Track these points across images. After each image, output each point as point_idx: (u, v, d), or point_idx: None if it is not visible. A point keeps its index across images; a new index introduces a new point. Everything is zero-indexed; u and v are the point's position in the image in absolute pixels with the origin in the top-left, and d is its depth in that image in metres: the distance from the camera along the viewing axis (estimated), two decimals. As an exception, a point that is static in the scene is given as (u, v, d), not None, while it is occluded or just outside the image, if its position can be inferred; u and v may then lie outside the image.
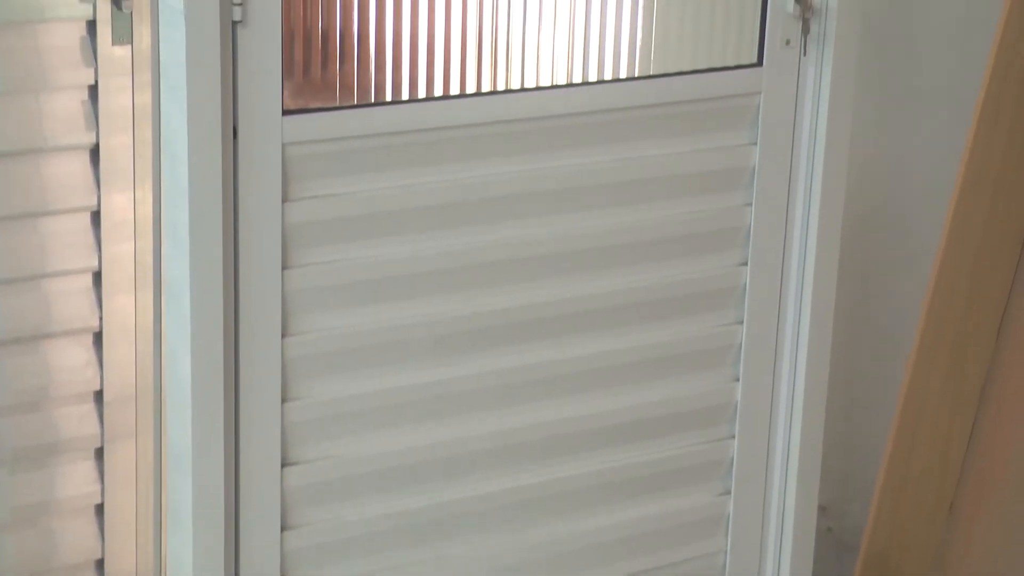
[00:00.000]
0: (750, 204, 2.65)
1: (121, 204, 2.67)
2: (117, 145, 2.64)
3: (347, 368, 2.43)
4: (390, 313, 2.44)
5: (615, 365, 2.61)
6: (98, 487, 2.75)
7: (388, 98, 2.37)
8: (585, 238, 2.54)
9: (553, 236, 2.52)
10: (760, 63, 2.60)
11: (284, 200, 2.32)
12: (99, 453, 2.74)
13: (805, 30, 2.59)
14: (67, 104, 2.61)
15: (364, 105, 2.35)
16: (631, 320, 2.61)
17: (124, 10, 2.59)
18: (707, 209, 2.62)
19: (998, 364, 2.82)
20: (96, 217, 2.67)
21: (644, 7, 2.50)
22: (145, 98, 2.63)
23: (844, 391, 3.13)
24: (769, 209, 2.66)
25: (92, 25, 2.60)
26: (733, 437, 2.72)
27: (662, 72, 2.53)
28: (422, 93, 2.38)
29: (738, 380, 2.71)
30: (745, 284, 2.68)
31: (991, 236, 2.72)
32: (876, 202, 3.13)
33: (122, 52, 2.61)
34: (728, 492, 2.74)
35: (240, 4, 2.21)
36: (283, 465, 2.40)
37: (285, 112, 2.29)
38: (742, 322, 2.69)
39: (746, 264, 2.67)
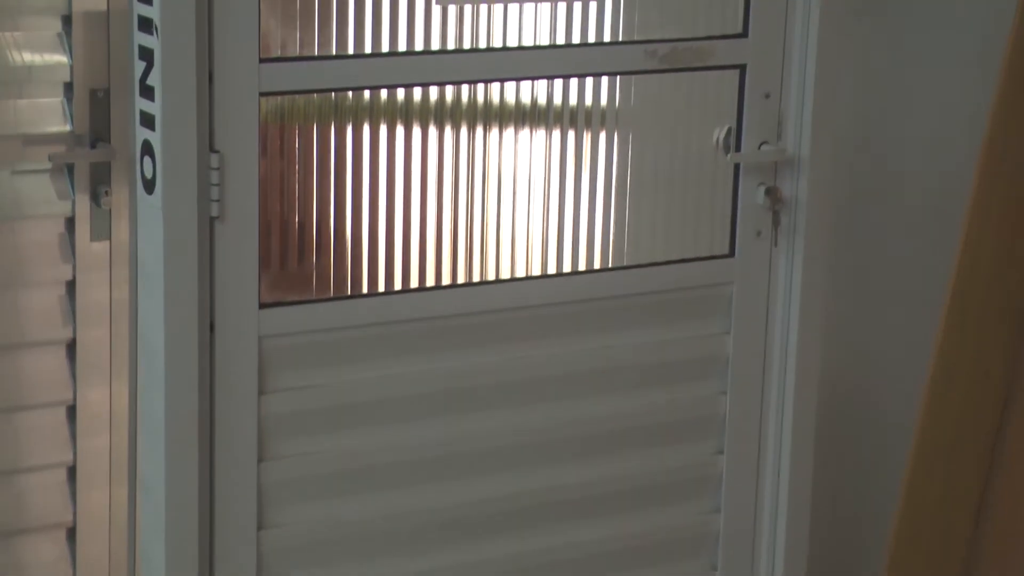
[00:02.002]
0: (725, 392, 2.66)
1: (97, 398, 2.67)
2: (94, 340, 2.65)
3: (325, 562, 2.41)
4: (368, 504, 2.43)
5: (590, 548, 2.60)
6: None
7: (365, 290, 2.38)
8: (562, 427, 2.55)
9: (530, 425, 2.52)
10: (732, 254, 2.63)
11: (260, 392, 2.33)
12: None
13: (776, 222, 2.63)
14: (45, 300, 2.63)
15: (341, 298, 2.37)
16: (607, 510, 2.60)
17: (103, 207, 2.62)
18: (682, 398, 2.63)
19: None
20: (72, 411, 2.66)
21: (617, 199, 2.53)
22: (122, 293, 2.64)
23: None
24: (744, 397, 2.67)
25: (71, 222, 2.62)
26: (715, 569, 2.71)
27: (636, 263, 2.56)
28: (398, 285, 2.40)
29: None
30: (722, 473, 2.68)
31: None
32: (849, 389, 3.15)
33: (100, 247, 2.63)
34: None
35: (218, 200, 2.24)
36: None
37: (262, 305, 2.31)
38: (719, 510, 2.68)
39: (722, 452, 2.67)
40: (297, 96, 2.29)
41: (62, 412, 2.66)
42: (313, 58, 2.29)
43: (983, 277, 2.71)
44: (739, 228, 2.62)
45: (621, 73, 2.49)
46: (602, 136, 2.50)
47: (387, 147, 2.36)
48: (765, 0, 2.55)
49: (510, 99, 2.43)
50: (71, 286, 2.63)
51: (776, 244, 2.64)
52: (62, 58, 2.56)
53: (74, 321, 2.63)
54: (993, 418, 2.82)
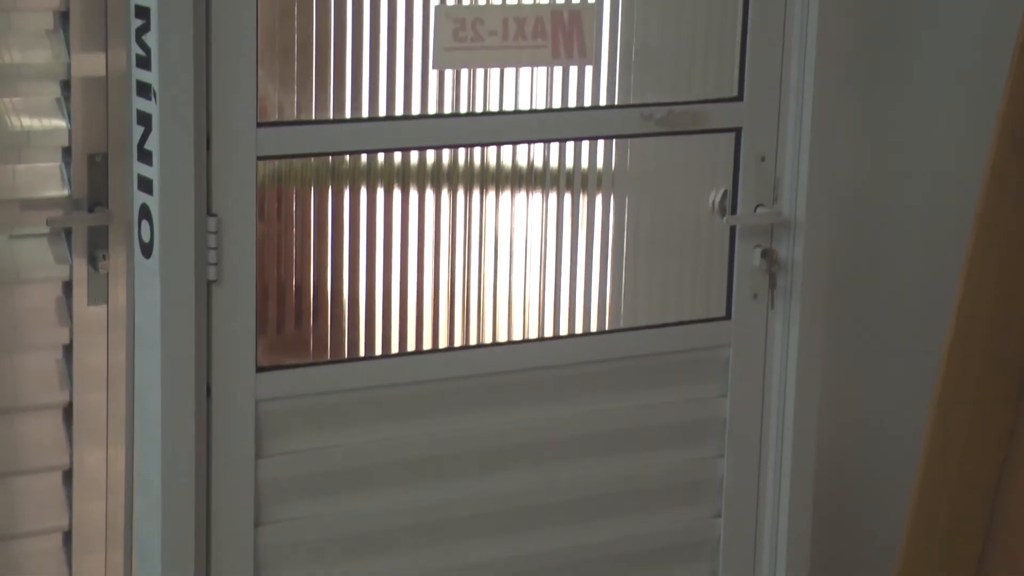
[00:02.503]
0: (722, 455, 2.65)
1: (94, 462, 2.66)
2: (91, 404, 2.64)
3: (320, 626, 2.41)
4: (367, 569, 2.42)
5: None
6: None
7: (362, 353, 2.38)
8: (559, 490, 2.54)
9: (527, 488, 2.52)
10: (728, 316, 2.63)
11: (257, 456, 2.32)
12: None
13: (772, 284, 2.63)
14: (42, 364, 2.62)
15: (338, 361, 2.37)
16: (601, 575, 2.59)
17: (100, 271, 2.62)
18: (679, 461, 2.63)
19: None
20: (68, 476, 2.66)
21: (613, 262, 2.54)
22: (120, 356, 2.64)
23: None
24: (741, 460, 2.66)
25: (68, 286, 2.62)
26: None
27: (632, 326, 2.56)
28: (396, 348, 2.40)
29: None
30: (719, 537, 2.67)
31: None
32: (847, 451, 3.14)
33: (97, 311, 2.63)
34: None
35: (215, 264, 2.24)
36: None
37: (259, 369, 2.30)
38: (715, 574, 2.67)
39: (719, 516, 2.67)
40: (295, 160, 2.30)
41: (58, 477, 2.66)
42: (311, 122, 2.30)
43: (980, 336, 2.72)
44: (735, 290, 2.62)
45: (617, 136, 2.50)
46: (598, 199, 2.51)
47: (384, 210, 2.36)
48: (760, 64, 2.57)
49: (506, 162, 2.44)
50: (68, 350, 2.63)
51: (772, 306, 2.64)
52: (61, 123, 2.57)
53: (71, 385, 2.63)
54: (991, 479, 2.82)
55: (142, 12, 2.17)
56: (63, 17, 2.53)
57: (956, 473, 2.79)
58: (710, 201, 2.59)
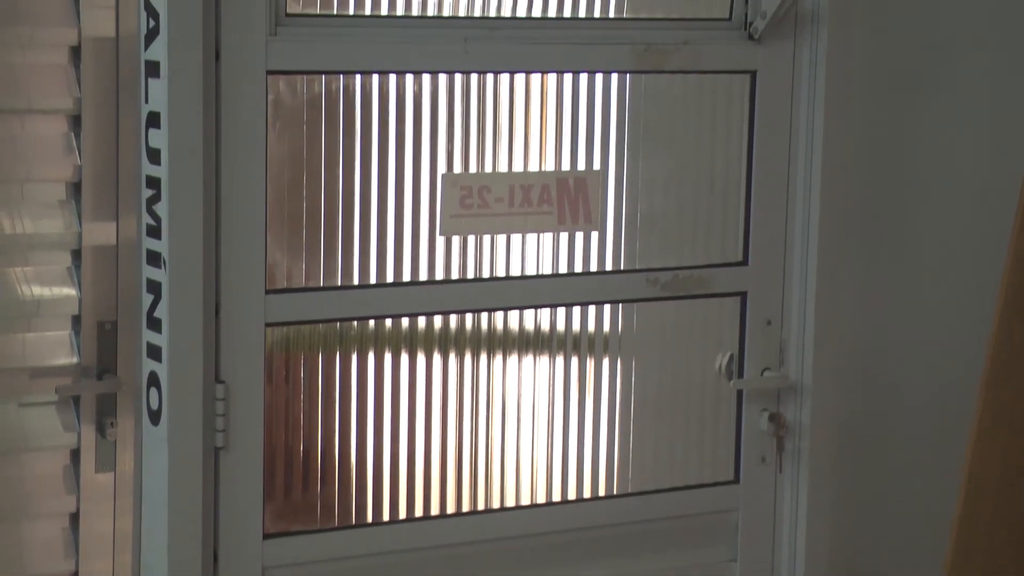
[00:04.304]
0: (733, 621, 2.63)
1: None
2: (97, 572, 2.62)
3: None
4: None
5: None
6: None
7: (370, 519, 2.37)
8: (568, 659, 2.52)
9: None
10: (737, 480, 2.62)
11: (265, 625, 2.31)
12: None
13: (780, 447, 2.63)
14: (48, 531, 2.61)
15: (346, 527, 2.36)
16: None
17: (108, 438, 2.62)
18: (690, 627, 2.61)
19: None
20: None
21: (621, 426, 2.54)
22: (126, 523, 2.63)
23: None
24: (752, 626, 2.64)
25: (76, 453, 2.62)
26: None
27: (640, 490, 2.56)
28: (404, 514, 2.39)
29: None
30: None
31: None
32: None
33: (104, 479, 2.62)
34: None
35: (223, 430, 2.25)
36: None
37: (266, 535, 2.30)
38: None
39: None
40: (303, 325, 2.31)
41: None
42: (319, 288, 2.31)
43: (989, 499, 2.71)
44: (743, 454, 2.62)
45: (623, 301, 2.52)
46: (605, 363, 2.51)
47: (392, 375, 2.37)
48: (764, 228, 2.59)
49: (514, 326, 2.45)
50: (75, 518, 2.62)
51: (781, 470, 2.64)
52: (71, 291, 2.58)
53: (77, 554, 2.62)
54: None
55: (153, 182, 2.20)
56: (75, 187, 2.56)
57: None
58: (717, 365, 2.60)
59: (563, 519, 2.49)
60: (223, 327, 2.24)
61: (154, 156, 2.19)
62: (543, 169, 2.43)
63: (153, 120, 2.19)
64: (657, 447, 2.58)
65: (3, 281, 2.54)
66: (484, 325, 2.43)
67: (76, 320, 2.60)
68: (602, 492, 2.53)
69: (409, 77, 2.34)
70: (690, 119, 2.55)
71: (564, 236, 2.46)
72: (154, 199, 2.20)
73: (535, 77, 2.42)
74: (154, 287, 2.21)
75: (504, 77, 2.40)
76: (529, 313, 2.46)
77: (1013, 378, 2.69)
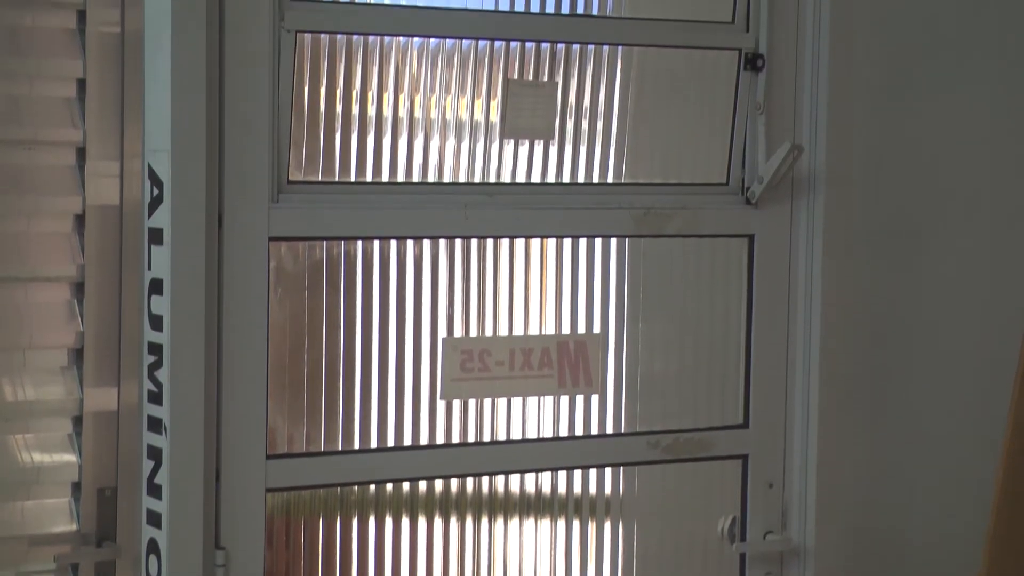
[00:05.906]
0: None
1: None
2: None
3: None
4: None
5: None
6: None
7: None
8: None
9: None
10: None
11: None
12: None
13: (780, 581, 2.62)
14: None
15: None
16: None
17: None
18: None
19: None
20: None
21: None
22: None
23: None
24: None
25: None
26: None
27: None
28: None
29: None
30: None
31: None
32: None
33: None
34: None
35: (223, 566, 2.23)
36: None
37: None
38: None
39: None
40: (303, 490, 2.30)
41: None
42: (320, 453, 2.31)
43: None
44: (743, 590, 2.60)
45: (624, 464, 2.51)
46: (607, 526, 2.50)
47: (392, 539, 2.36)
48: (765, 391, 2.59)
49: (515, 490, 2.44)
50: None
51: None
52: (71, 457, 2.58)
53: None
54: None
55: (155, 348, 2.21)
56: (77, 353, 2.57)
57: None
58: (719, 528, 2.59)
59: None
60: (223, 493, 2.23)
61: (156, 322, 2.20)
62: (543, 332, 2.45)
63: (156, 287, 2.20)
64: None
65: (4, 449, 2.54)
66: (485, 489, 2.42)
67: (76, 487, 2.60)
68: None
69: (410, 243, 2.36)
70: (689, 282, 2.57)
71: (565, 399, 2.46)
72: (156, 365, 2.21)
73: (535, 241, 2.44)
74: (155, 453, 2.21)
75: (504, 242, 2.42)
76: (530, 477, 2.45)
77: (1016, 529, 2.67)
